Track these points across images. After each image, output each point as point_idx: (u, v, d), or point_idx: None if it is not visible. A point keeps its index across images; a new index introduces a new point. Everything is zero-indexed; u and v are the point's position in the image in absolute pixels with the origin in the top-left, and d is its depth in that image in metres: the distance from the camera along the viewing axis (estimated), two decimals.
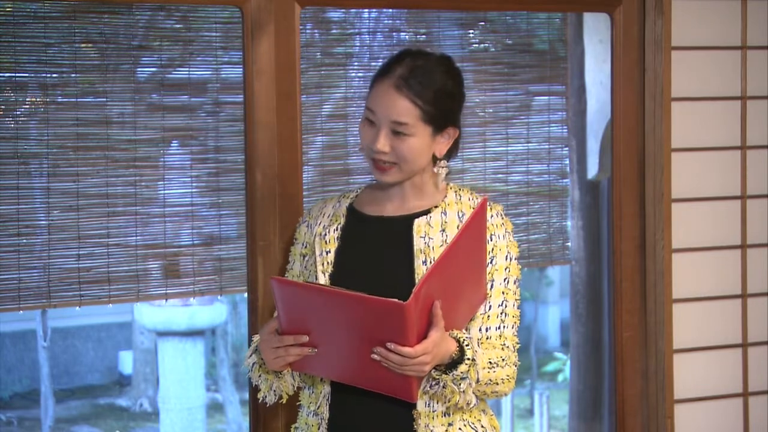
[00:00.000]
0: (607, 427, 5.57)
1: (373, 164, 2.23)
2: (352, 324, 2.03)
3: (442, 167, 2.28)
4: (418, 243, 2.22)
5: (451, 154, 2.31)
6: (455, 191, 2.31)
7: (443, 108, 2.20)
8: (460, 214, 2.25)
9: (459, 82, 2.26)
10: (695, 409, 3.18)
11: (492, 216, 2.25)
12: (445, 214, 2.25)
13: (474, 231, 2.13)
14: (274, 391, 2.27)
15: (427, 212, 2.26)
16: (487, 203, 2.18)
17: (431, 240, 2.21)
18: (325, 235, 2.30)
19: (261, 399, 2.30)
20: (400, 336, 1.99)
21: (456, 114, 2.26)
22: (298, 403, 2.34)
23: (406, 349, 2.00)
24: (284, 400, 2.30)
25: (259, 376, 2.26)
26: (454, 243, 2.05)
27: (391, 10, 3.03)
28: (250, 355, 2.27)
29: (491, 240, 2.24)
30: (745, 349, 3.24)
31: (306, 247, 2.35)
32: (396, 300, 1.96)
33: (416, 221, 2.25)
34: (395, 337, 2.00)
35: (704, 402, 3.19)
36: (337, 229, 2.30)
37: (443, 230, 2.23)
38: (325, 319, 2.06)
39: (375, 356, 2.03)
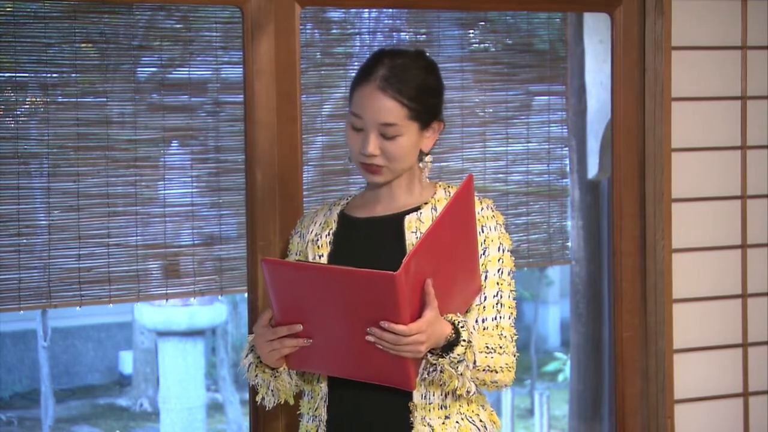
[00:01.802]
0: (607, 427, 5.57)
1: (362, 167, 2.23)
2: (346, 303, 2.02)
3: (428, 162, 2.29)
4: (409, 238, 2.23)
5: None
6: (444, 188, 2.32)
7: (427, 103, 2.21)
8: None
9: (438, 76, 2.27)
10: (695, 409, 3.18)
11: (482, 209, 2.26)
12: (435, 210, 2.26)
13: (461, 206, 2.12)
14: (272, 391, 2.26)
15: (417, 209, 2.27)
16: (472, 180, 2.18)
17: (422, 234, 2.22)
18: (317, 240, 2.31)
19: (259, 401, 2.29)
20: (393, 313, 1.99)
21: (439, 107, 2.26)
22: (298, 412, 2.33)
23: (400, 327, 2.00)
24: (282, 401, 2.29)
25: (256, 375, 2.25)
26: (442, 216, 2.05)
27: (391, 10, 3.03)
28: (246, 356, 2.27)
29: (483, 232, 2.24)
30: (745, 349, 3.24)
31: (299, 254, 2.35)
32: (386, 271, 1.95)
33: (407, 218, 2.25)
34: (388, 315, 1.99)
35: (704, 402, 3.19)
36: (329, 235, 2.31)
37: None
38: (319, 301, 2.05)
39: (369, 338, 2.02)
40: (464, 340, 2.10)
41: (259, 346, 2.18)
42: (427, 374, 2.13)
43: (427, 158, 2.29)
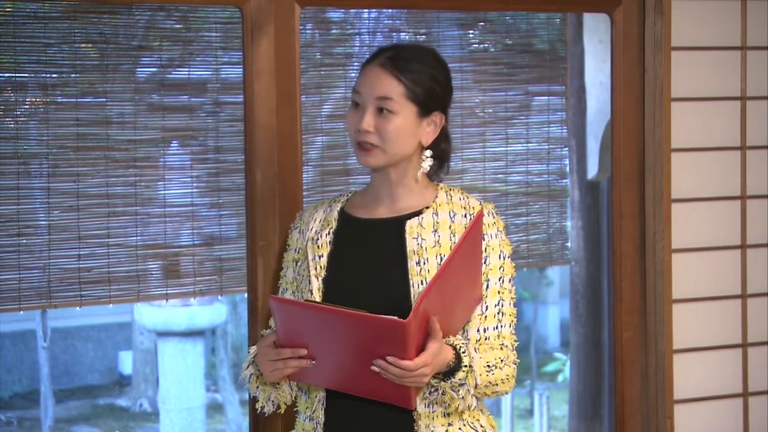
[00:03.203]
0: (607, 427, 5.57)
1: (357, 147, 2.24)
2: (351, 341, 2.04)
3: (427, 157, 2.28)
4: (410, 244, 2.22)
5: (446, 154, 2.31)
6: (446, 191, 2.31)
7: (428, 89, 2.22)
8: (452, 214, 2.25)
9: (445, 72, 2.28)
10: (695, 409, 3.18)
11: (484, 215, 2.26)
12: (437, 215, 2.26)
13: (471, 243, 2.14)
14: (272, 401, 2.28)
15: (418, 213, 2.26)
16: (482, 218, 2.21)
17: (423, 241, 2.22)
18: (318, 239, 2.30)
19: (259, 409, 2.30)
20: (399, 351, 2.01)
21: (442, 100, 2.26)
22: (295, 410, 2.34)
23: (406, 363, 2.01)
24: (282, 410, 2.31)
25: (257, 387, 2.26)
26: (451, 258, 2.07)
27: (390, 11, 3.03)
28: (247, 367, 2.27)
29: (484, 239, 2.24)
30: (744, 349, 3.24)
31: (299, 252, 2.35)
32: (396, 318, 1.97)
33: (408, 222, 2.25)
34: (395, 352, 2.01)
35: (704, 402, 3.19)
36: (329, 234, 2.30)
37: (435, 230, 2.23)
38: (324, 336, 2.07)
39: (374, 368, 2.04)
40: (465, 366, 2.11)
41: (261, 364, 2.19)
42: (429, 395, 2.15)
43: (426, 153, 2.28)
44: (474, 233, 2.14)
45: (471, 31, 3.15)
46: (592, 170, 5.19)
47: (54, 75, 2.69)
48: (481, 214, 2.17)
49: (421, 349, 2.04)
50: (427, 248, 2.21)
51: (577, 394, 5.75)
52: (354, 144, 2.25)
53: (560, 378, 11.40)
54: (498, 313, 2.24)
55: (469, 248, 2.14)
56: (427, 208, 2.27)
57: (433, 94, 2.22)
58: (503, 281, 2.25)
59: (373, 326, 1.99)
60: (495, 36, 3.17)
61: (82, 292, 2.73)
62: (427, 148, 2.27)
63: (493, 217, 2.27)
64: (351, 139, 2.26)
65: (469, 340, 2.20)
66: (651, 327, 3.15)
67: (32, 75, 2.68)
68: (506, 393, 2.26)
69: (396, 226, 2.25)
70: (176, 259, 2.81)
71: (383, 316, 1.98)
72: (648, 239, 3.14)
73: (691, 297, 3.17)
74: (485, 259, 2.24)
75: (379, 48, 2.29)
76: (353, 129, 2.23)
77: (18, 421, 10.58)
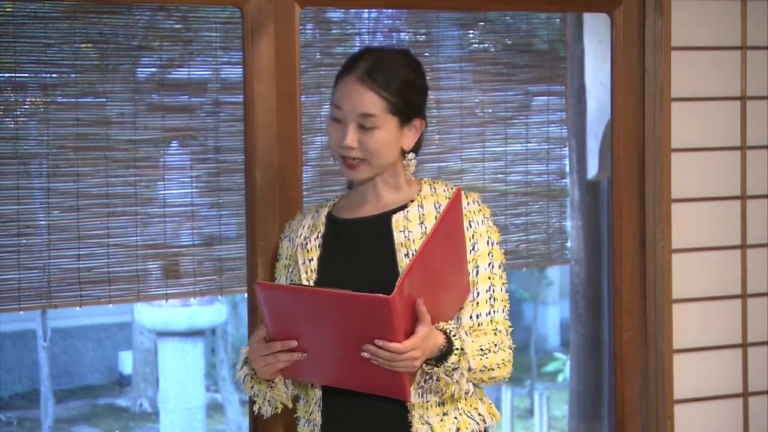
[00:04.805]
0: (607, 427, 5.57)
1: (342, 162, 2.24)
2: (340, 324, 2.03)
3: (410, 160, 2.28)
4: (398, 237, 2.23)
5: (418, 147, 2.31)
6: (429, 184, 2.31)
7: (408, 99, 2.21)
8: (437, 206, 2.26)
9: (421, 75, 2.27)
10: (695, 409, 3.18)
11: (468, 203, 2.26)
12: (422, 207, 2.26)
13: (451, 222, 2.14)
14: (269, 401, 2.27)
15: (403, 207, 2.27)
16: (462, 193, 2.19)
17: (411, 233, 2.22)
18: (306, 244, 2.31)
19: (257, 411, 2.30)
20: (387, 332, 2.00)
21: (421, 106, 2.26)
22: (295, 416, 2.34)
23: (395, 345, 2.01)
24: (279, 410, 2.30)
25: (252, 387, 2.26)
26: (431, 235, 2.06)
27: (390, 11, 3.03)
28: (241, 368, 2.27)
29: (470, 227, 2.24)
30: (744, 349, 3.24)
31: (289, 259, 2.35)
32: (380, 294, 1.96)
33: (394, 217, 2.25)
34: (383, 334, 2.01)
35: (704, 402, 3.20)
36: (317, 238, 2.31)
37: (422, 223, 2.23)
38: (313, 322, 2.06)
39: (365, 354, 2.03)
40: (457, 349, 2.11)
41: (253, 360, 2.19)
42: (424, 382, 2.15)
43: (410, 156, 2.28)
44: (453, 211, 2.14)
45: (471, 31, 3.15)
46: (592, 170, 5.20)
47: (54, 75, 2.69)
48: (459, 194, 2.17)
49: (410, 334, 2.04)
50: (415, 240, 2.21)
51: (577, 394, 5.75)
52: (338, 158, 2.24)
53: (560, 378, 11.40)
54: (490, 299, 2.24)
55: (449, 227, 2.13)
56: (412, 201, 2.27)
57: (412, 102, 2.22)
58: (493, 267, 2.25)
59: (359, 305, 1.99)
60: (495, 36, 3.17)
61: (82, 292, 2.73)
62: (409, 152, 2.27)
63: (479, 205, 2.27)
64: (333, 151, 2.25)
65: (462, 326, 2.21)
66: (651, 327, 3.15)
67: (32, 75, 2.68)
68: (504, 379, 2.25)
69: (382, 222, 2.26)
70: (176, 259, 2.81)
71: (368, 293, 1.97)
72: (648, 239, 3.14)
73: (691, 297, 3.17)
74: (473, 246, 2.24)
75: (354, 56, 2.25)
76: (336, 144, 2.23)
77: (18, 421, 10.58)
